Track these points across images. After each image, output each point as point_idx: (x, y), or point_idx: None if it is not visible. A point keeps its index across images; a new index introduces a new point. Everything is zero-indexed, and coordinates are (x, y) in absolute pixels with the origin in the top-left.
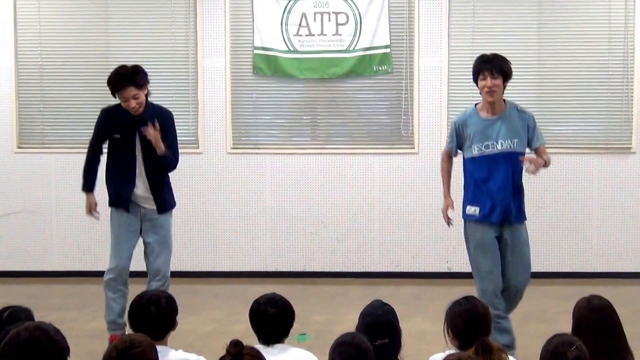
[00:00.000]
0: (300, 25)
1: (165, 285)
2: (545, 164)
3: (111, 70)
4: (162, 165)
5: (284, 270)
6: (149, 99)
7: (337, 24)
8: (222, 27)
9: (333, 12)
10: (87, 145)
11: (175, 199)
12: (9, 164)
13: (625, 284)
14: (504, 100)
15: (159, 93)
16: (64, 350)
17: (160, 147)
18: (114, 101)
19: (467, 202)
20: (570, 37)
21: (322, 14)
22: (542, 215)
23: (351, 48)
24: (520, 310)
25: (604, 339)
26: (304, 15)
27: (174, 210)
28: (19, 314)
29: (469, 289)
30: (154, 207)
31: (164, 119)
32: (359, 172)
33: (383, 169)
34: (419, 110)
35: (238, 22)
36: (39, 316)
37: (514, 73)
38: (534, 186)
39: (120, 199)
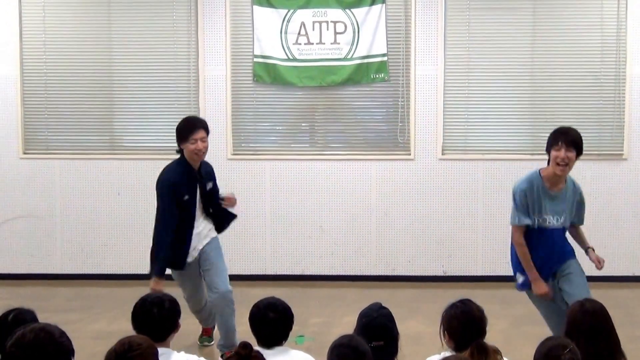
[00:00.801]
0: (299, 34)
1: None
2: None
3: (114, 79)
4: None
5: (283, 273)
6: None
7: (335, 33)
8: (222, 36)
9: (331, 22)
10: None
11: None
12: (15, 169)
13: (617, 287)
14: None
15: (161, 101)
16: (69, 351)
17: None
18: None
19: None
20: (563, 46)
21: (320, 23)
22: None
23: (349, 56)
24: (514, 313)
25: (598, 342)
26: (302, 24)
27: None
28: (24, 316)
29: (464, 292)
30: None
31: (212, 170)
32: (357, 178)
33: (380, 174)
34: (415, 118)
35: (238, 31)
36: (43, 318)
37: (507, 81)
38: None
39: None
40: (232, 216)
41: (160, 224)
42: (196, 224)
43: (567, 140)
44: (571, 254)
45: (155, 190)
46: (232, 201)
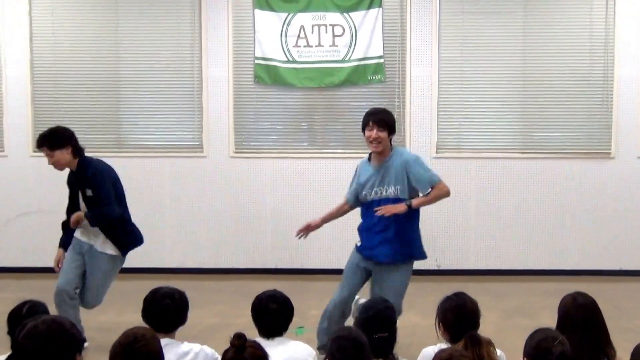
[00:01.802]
0: (298, 36)
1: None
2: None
3: (120, 80)
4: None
5: (284, 267)
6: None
7: (334, 36)
8: (225, 39)
9: (330, 25)
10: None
11: (180, 202)
12: (26, 167)
13: (605, 281)
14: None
15: (166, 101)
16: (80, 342)
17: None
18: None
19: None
20: (553, 48)
21: (319, 26)
22: (526, 216)
23: (347, 58)
24: (505, 305)
25: (589, 334)
26: (302, 27)
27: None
28: (37, 308)
29: (458, 286)
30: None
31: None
32: None
33: None
34: (411, 117)
35: (240, 34)
36: (53, 310)
37: (500, 82)
38: (519, 189)
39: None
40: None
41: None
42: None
43: (375, 120)
44: (391, 258)
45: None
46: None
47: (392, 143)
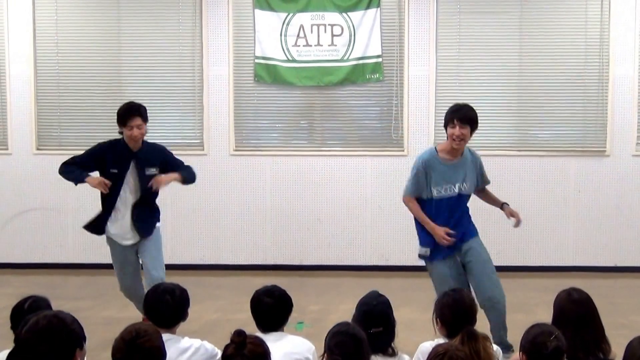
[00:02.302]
0: (298, 36)
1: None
2: None
3: (123, 79)
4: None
5: (283, 263)
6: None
7: (333, 35)
8: (225, 38)
9: (329, 24)
10: None
11: (181, 199)
12: (29, 165)
13: (601, 277)
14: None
15: (167, 99)
16: (80, 337)
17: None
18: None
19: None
20: (549, 48)
21: (318, 26)
22: (523, 212)
23: (345, 58)
24: None
25: (584, 330)
26: (301, 27)
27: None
28: (39, 303)
29: None
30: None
31: (164, 154)
32: (352, 173)
33: (374, 169)
34: (408, 116)
35: (240, 34)
36: (56, 305)
37: (496, 81)
38: (515, 186)
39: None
40: (151, 220)
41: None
42: (120, 201)
43: (460, 118)
44: (473, 232)
45: None
46: (158, 181)
47: (391, 143)
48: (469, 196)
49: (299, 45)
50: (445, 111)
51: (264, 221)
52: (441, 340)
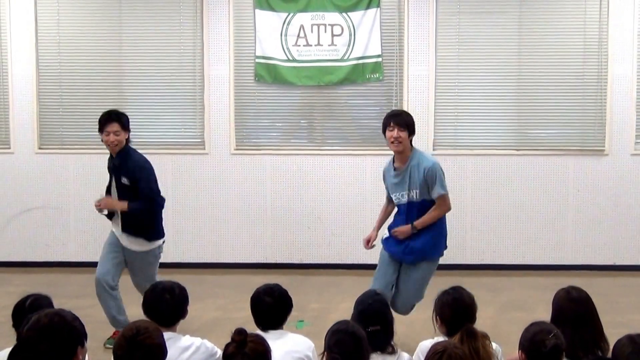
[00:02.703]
0: (298, 36)
1: None
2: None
3: (124, 79)
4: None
5: (283, 262)
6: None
7: (333, 35)
8: (226, 38)
9: (329, 24)
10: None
11: (182, 197)
12: (31, 164)
13: (599, 276)
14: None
15: (168, 99)
16: (81, 335)
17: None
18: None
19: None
20: (548, 48)
21: (318, 25)
22: (521, 211)
23: (345, 57)
24: (501, 299)
25: (582, 328)
26: (302, 27)
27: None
28: (41, 302)
29: (454, 280)
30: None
31: (135, 172)
32: (352, 172)
33: (374, 168)
34: None
35: (241, 34)
36: (58, 303)
37: (495, 81)
38: (514, 185)
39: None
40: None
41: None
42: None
43: (397, 122)
44: (421, 254)
45: None
46: (103, 203)
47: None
48: (425, 203)
49: (299, 45)
50: (446, 111)
51: (264, 220)
52: (441, 339)
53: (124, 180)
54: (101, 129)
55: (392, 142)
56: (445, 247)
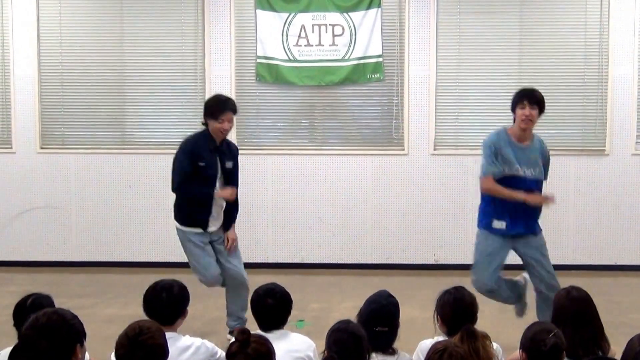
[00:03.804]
0: (299, 36)
1: None
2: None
3: (125, 79)
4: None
5: (284, 261)
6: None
7: (334, 35)
8: (227, 38)
9: (330, 24)
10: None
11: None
12: (33, 163)
13: (600, 275)
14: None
15: (169, 99)
16: (80, 333)
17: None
18: (128, 108)
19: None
20: (549, 48)
21: (319, 26)
22: None
23: (346, 57)
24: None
25: (583, 328)
26: (303, 27)
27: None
28: (42, 301)
29: (455, 280)
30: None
31: (236, 152)
32: (353, 172)
33: (375, 168)
34: (409, 115)
35: (242, 34)
36: (59, 303)
37: (496, 81)
38: None
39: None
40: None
41: (181, 184)
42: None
43: (530, 100)
44: (538, 228)
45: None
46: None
47: (391, 142)
48: (539, 183)
49: (300, 45)
50: (446, 111)
51: (265, 219)
52: (441, 338)
53: (229, 165)
54: (215, 116)
55: (523, 120)
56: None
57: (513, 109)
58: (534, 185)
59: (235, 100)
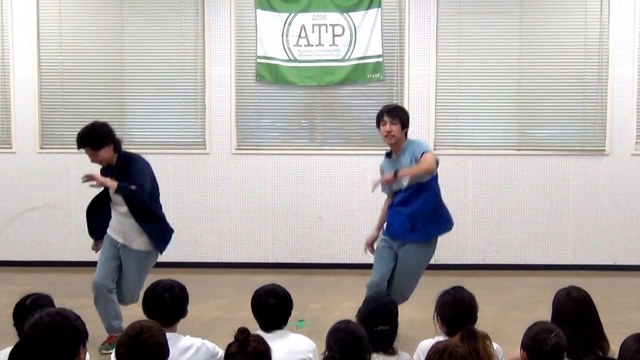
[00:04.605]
0: (299, 36)
1: None
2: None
3: (125, 79)
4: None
5: (284, 261)
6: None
7: (334, 35)
8: (227, 38)
9: (330, 24)
10: None
11: (183, 197)
12: (33, 163)
13: (600, 275)
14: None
15: (169, 99)
16: (83, 334)
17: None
18: (128, 108)
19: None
20: (549, 48)
21: (319, 26)
22: (522, 211)
23: (346, 57)
24: (502, 299)
25: (583, 328)
26: (303, 27)
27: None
28: (42, 301)
29: (455, 280)
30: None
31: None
32: (353, 172)
33: (375, 168)
34: (409, 115)
35: (242, 34)
36: (59, 302)
37: (496, 81)
38: (514, 185)
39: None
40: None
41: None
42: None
43: (389, 115)
44: (414, 236)
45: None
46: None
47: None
48: (425, 185)
49: (300, 45)
50: (446, 111)
51: (265, 219)
52: (441, 338)
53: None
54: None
55: (386, 136)
56: (445, 230)
57: (377, 127)
58: (411, 193)
59: (236, 100)
